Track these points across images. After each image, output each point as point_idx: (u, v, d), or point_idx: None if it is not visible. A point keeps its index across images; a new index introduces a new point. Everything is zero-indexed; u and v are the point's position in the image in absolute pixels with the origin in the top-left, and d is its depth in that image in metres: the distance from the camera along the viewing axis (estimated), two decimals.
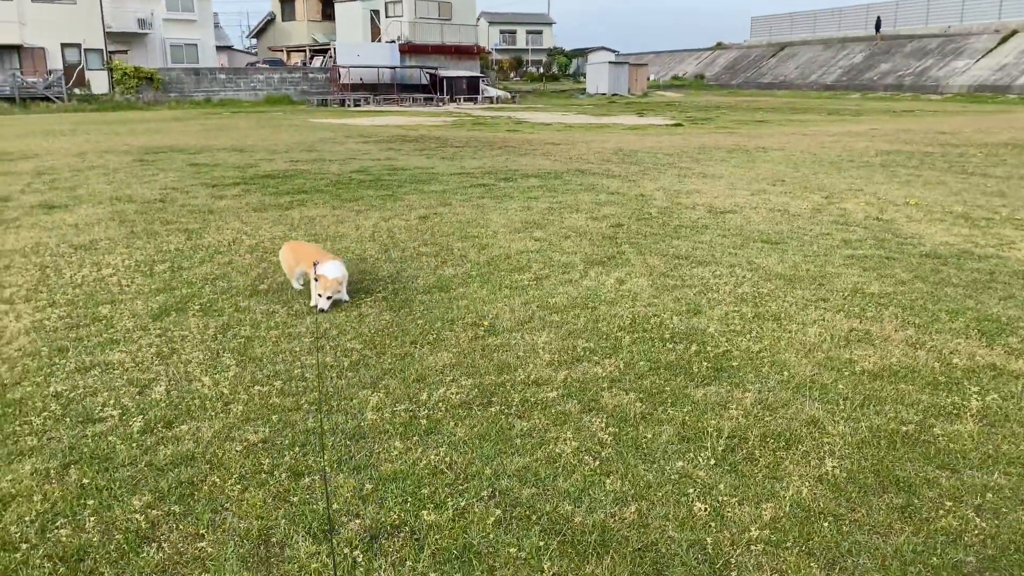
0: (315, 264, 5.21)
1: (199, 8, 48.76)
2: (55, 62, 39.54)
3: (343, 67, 44.99)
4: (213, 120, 27.53)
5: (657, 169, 13.01)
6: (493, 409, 3.78)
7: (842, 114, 32.00)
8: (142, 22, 46.29)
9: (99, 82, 40.27)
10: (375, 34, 50.65)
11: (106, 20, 41.55)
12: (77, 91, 38.90)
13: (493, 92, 48.47)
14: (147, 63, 44.27)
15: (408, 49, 48.14)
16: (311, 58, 52.89)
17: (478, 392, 3.98)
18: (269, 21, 59.74)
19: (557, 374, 4.21)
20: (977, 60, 57.33)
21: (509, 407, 3.81)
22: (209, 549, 2.69)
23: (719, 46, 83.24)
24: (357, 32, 50.36)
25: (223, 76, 44.64)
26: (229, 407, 3.80)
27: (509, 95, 49.00)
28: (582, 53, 77.62)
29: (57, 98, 37.17)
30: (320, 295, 5.21)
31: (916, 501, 2.98)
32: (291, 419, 3.68)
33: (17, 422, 3.64)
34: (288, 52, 56.02)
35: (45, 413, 3.73)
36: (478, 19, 64.81)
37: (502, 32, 77.64)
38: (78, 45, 40.21)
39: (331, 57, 48.64)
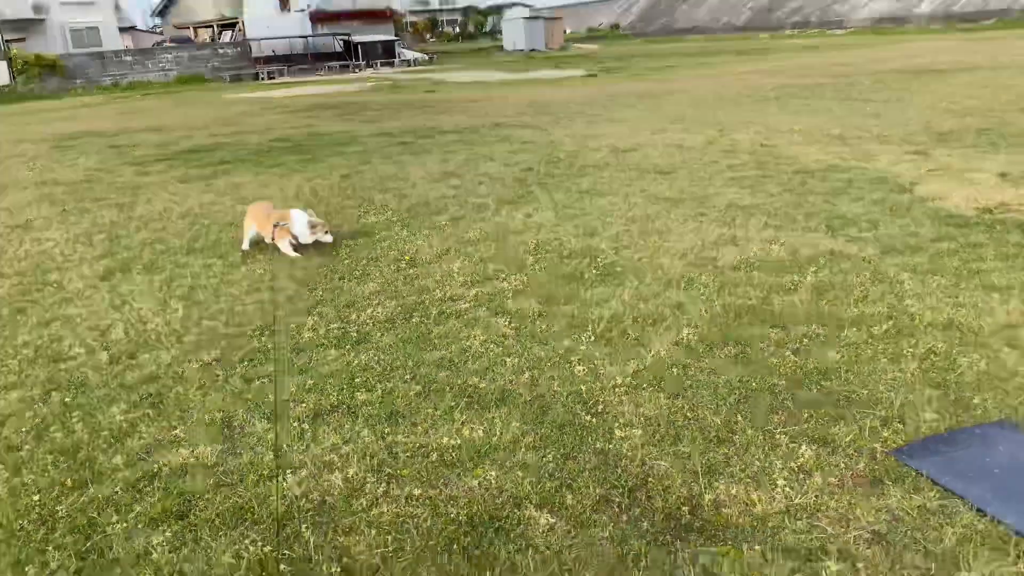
0: (276, 224, 5.77)
1: None
2: None
3: (254, 40, 44.17)
4: (125, 103, 27.05)
5: (568, 118, 13.69)
6: (414, 320, 4.45)
7: (750, 54, 33.10)
8: (37, 7, 44.43)
9: None
10: (284, 4, 49.70)
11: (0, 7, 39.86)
12: None
13: (410, 55, 48.26)
14: (47, 50, 42.65)
15: (320, 17, 47.47)
16: (220, 33, 51.60)
17: (401, 309, 4.63)
18: None
19: (469, 291, 4.88)
20: None
21: (428, 318, 4.47)
22: (182, 435, 3.30)
23: None
24: (266, 4, 49.31)
25: (130, 58, 43.34)
26: (182, 339, 4.37)
27: (426, 57, 48.86)
28: (497, 10, 77.29)
29: None
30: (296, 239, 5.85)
31: (749, 350, 3.77)
32: (238, 343, 4.27)
33: None
34: (195, 29, 54.48)
35: (18, 357, 4.24)
36: None
37: None
38: None
39: (240, 31, 47.61)
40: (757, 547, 2.39)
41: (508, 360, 3.83)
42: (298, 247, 5.88)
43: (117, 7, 54.50)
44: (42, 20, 44.70)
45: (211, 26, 52.39)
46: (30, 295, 5.34)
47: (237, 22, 48.75)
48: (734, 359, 3.68)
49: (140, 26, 68.33)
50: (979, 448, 2.83)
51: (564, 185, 7.85)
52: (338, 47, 46.73)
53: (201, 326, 4.55)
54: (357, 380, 3.70)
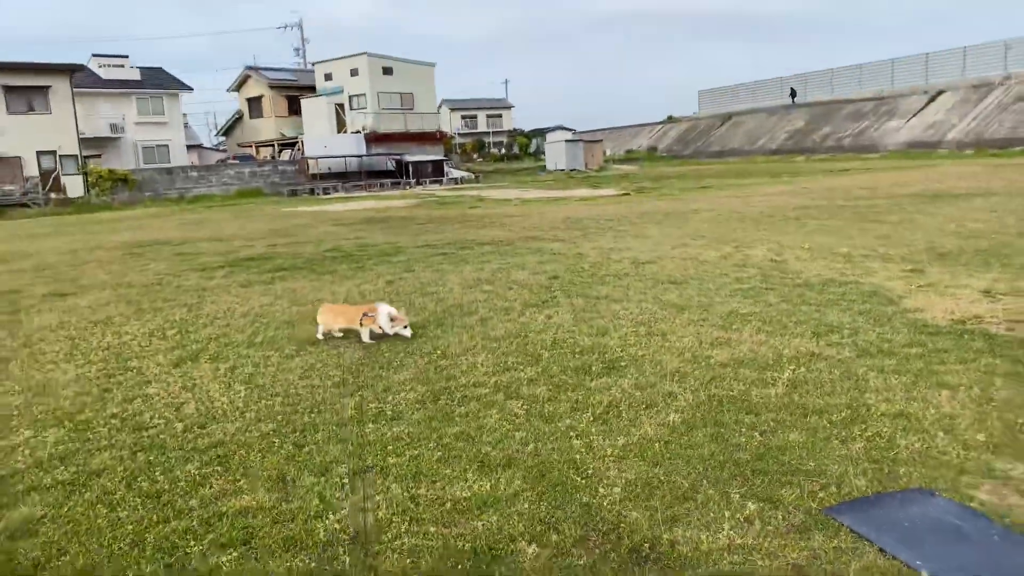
0: (365, 313, 6.86)
1: (168, 110, 50.92)
2: (31, 169, 41.08)
3: (311, 158, 47.08)
4: (189, 215, 29.05)
5: (598, 232, 14.68)
6: (441, 402, 5.18)
7: (782, 176, 34.35)
8: (114, 127, 48.22)
9: (74, 186, 41.79)
10: (341, 126, 53.10)
11: (79, 126, 43.37)
12: (53, 195, 40.34)
13: (457, 173, 50.80)
14: (120, 165, 45.98)
15: (374, 138, 50.53)
16: (279, 151, 55.07)
17: (430, 393, 5.37)
18: (237, 119, 62.13)
19: (490, 379, 5.62)
20: (908, 120, 61.12)
21: (452, 400, 5.21)
22: (244, 486, 4.02)
23: (670, 119, 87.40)
24: (323, 125, 52.79)
25: (195, 173, 46.43)
26: (244, 414, 5.16)
27: (472, 175, 51.36)
28: (541, 133, 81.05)
29: (35, 203, 38.56)
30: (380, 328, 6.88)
31: (723, 431, 4.40)
32: (291, 418, 5.04)
33: (89, 433, 4.96)
34: (257, 147, 58.22)
35: (107, 426, 5.05)
36: (439, 107, 67.85)
37: (463, 117, 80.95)
38: (53, 152, 41.87)
39: (299, 150, 50.80)
40: (698, 571, 2.99)
41: (517, 434, 4.52)
42: (377, 337, 6.86)
43: (186, 125, 58.68)
44: (118, 138, 48.36)
45: (272, 144, 55.96)
46: (114, 377, 6.22)
47: (297, 141, 52.06)
48: (710, 438, 4.32)
49: (205, 144, 73.09)
50: (896, 507, 3.41)
51: (584, 292, 8.65)
52: (390, 165, 49.45)
53: (260, 404, 5.34)
54: (389, 448, 4.42)
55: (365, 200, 33.63)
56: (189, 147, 56.45)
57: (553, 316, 7.55)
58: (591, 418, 4.72)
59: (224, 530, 3.55)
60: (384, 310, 6.91)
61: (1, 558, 3.39)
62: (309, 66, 64.32)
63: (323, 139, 49.35)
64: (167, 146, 50.70)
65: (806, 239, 12.07)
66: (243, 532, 3.51)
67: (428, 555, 3.22)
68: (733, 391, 5.06)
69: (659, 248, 11.98)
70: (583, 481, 3.86)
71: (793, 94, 72.51)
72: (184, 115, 55.64)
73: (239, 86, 60.58)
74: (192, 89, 52.42)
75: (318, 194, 42.76)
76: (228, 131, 64.55)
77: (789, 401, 4.82)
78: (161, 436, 4.82)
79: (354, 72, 52.13)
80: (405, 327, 6.95)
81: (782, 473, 3.81)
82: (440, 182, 47.59)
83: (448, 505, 3.68)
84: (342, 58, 53.16)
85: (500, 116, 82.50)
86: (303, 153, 49.05)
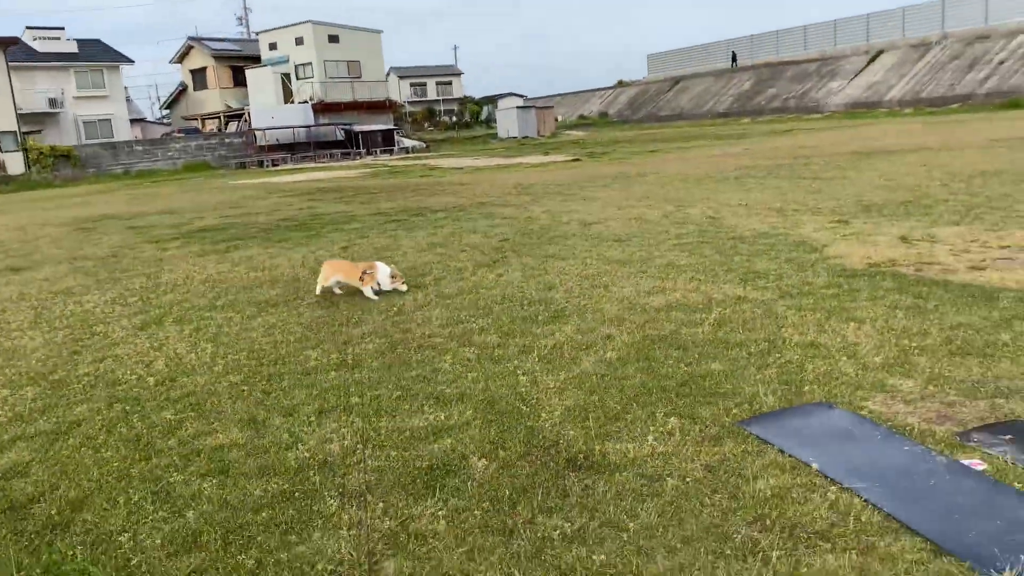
0: (364, 271, 7.29)
1: (109, 83, 49.63)
2: None
3: (259, 130, 46.44)
4: (137, 190, 28.66)
5: (547, 197, 15.09)
6: (398, 351, 5.57)
7: (727, 139, 35.10)
8: (53, 101, 46.89)
9: (14, 163, 40.66)
10: (287, 96, 52.36)
11: (16, 102, 42.10)
12: None
13: (408, 143, 50.60)
14: (61, 141, 44.83)
15: (321, 108, 49.98)
16: (226, 124, 54.14)
17: (388, 344, 5.76)
18: (181, 91, 60.77)
19: (444, 330, 6.02)
20: (850, 80, 62.48)
21: (409, 349, 5.60)
22: (218, 428, 4.38)
23: (620, 84, 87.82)
24: (270, 95, 51.98)
25: (140, 148, 45.51)
26: (212, 368, 5.48)
27: (424, 144, 51.20)
28: (492, 100, 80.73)
29: None
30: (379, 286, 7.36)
31: (654, 364, 4.88)
32: (257, 370, 5.38)
33: (64, 389, 5.24)
34: (203, 120, 57.12)
35: (82, 383, 5.34)
36: (387, 75, 67.14)
37: (412, 85, 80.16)
38: None
39: (246, 121, 50.03)
40: (627, 472, 3.46)
41: (469, 375, 4.94)
42: (378, 292, 7.31)
43: (128, 99, 57.24)
44: (57, 113, 47.04)
45: (218, 117, 54.95)
46: (82, 341, 6.47)
47: (243, 113, 51.22)
48: (641, 370, 4.80)
49: (149, 118, 71.33)
50: (798, 418, 3.93)
51: (533, 252, 9.08)
52: (339, 135, 49.03)
53: (227, 359, 5.67)
54: (352, 390, 4.81)
55: (315, 171, 33.48)
56: (132, 121, 55.13)
57: (504, 275, 7.96)
58: (536, 359, 5.16)
59: (203, 463, 3.91)
60: (383, 268, 7.42)
61: None
62: (253, 36, 63.04)
63: (270, 110, 48.67)
64: (109, 120, 49.50)
65: (744, 197, 12.65)
66: (220, 464, 3.88)
67: (390, 472, 3.63)
68: (665, 331, 5.54)
69: (605, 210, 12.44)
70: (527, 409, 4.30)
71: (734, 58, 73.59)
72: (125, 89, 54.27)
73: (182, 58, 59.20)
74: (133, 61, 51.21)
75: (267, 166, 42.34)
76: (172, 104, 63.14)
77: (714, 337, 5.32)
78: (135, 390, 5.13)
79: (299, 41, 51.35)
80: (402, 283, 7.47)
81: (702, 395, 4.30)
82: (391, 152, 47.42)
83: (407, 433, 4.09)
84: (286, 27, 52.29)
85: (450, 83, 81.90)
86: (250, 125, 48.35)
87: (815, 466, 3.39)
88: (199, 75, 58.28)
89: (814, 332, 5.25)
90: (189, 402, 4.82)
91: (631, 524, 3.04)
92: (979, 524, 2.85)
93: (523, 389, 4.61)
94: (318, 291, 7.52)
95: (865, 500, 3.08)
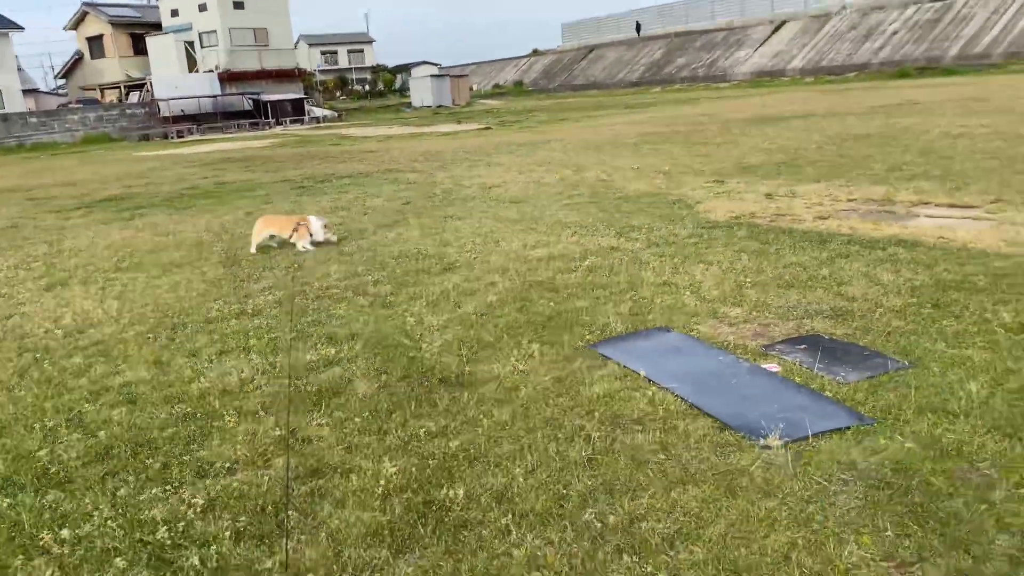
0: (298, 223, 7.80)
1: None
2: None
3: (162, 100, 45.00)
4: (34, 163, 27.64)
5: (453, 163, 15.54)
6: (296, 301, 6.02)
7: (635, 108, 36.04)
8: None
9: None
10: (192, 65, 50.75)
11: None
12: None
13: (319, 112, 49.87)
14: None
15: (228, 77, 48.68)
16: (127, 94, 52.11)
17: (287, 295, 6.19)
18: (77, 60, 58.02)
19: (341, 283, 6.49)
20: (756, 48, 64.58)
21: (307, 298, 6.06)
22: (126, 368, 4.77)
23: (535, 53, 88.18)
24: (173, 65, 50.27)
25: (35, 120, 43.48)
26: (119, 321, 5.82)
27: (336, 114, 50.56)
28: (406, 68, 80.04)
29: None
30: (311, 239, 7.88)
31: (529, 304, 5.49)
32: (162, 321, 5.75)
33: None
34: (102, 90, 54.78)
35: None
36: (296, 43, 65.70)
37: (323, 53, 78.57)
38: None
39: (148, 91, 48.33)
40: (490, 385, 4.06)
41: (361, 318, 5.45)
42: (315, 244, 7.84)
43: (19, 69, 54.34)
44: None
45: (118, 87, 52.84)
46: None
47: (145, 83, 49.42)
48: (516, 309, 5.40)
49: (42, 88, 67.87)
50: (639, 340, 4.60)
51: (433, 213, 9.58)
52: (247, 106, 47.93)
53: (132, 313, 6.01)
54: (251, 334, 5.26)
55: (222, 142, 32.87)
56: (25, 92, 52.43)
57: (403, 233, 8.44)
58: (424, 303, 5.70)
59: (112, 396, 4.32)
60: (316, 221, 7.96)
61: None
62: (153, 2, 60.57)
63: (173, 80, 47.13)
64: (0, 91, 46.99)
65: (637, 161, 13.41)
66: (128, 395, 4.30)
67: (282, 396, 4.13)
68: (542, 278, 6.16)
69: (507, 174, 13.01)
70: (411, 343, 4.85)
71: (638, 28, 75.39)
72: (16, 58, 51.49)
73: (76, 24, 56.45)
74: (23, 28, 48.51)
75: (172, 138, 41.16)
76: (68, 74, 60.23)
77: (584, 281, 5.97)
78: (44, 341, 5.44)
79: (202, 7, 49.70)
80: (333, 234, 8.02)
81: (564, 326, 4.94)
82: (301, 122, 46.70)
83: (300, 366, 4.58)
84: None
85: (362, 51, 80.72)
86: (152, 95, 46.73)
87: (643, 373, 4.05)
88: (96, 43, 55.74)
89: (669, 274, 5.96)
90: (97, 349, 5.18)
91: (486, 421, 3.64)
92: (759, 408, 3.56)
93: (409, 328, 5.16)
94: (253, 249, 7.91)
95: (676, 395, 3.76)
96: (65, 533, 2.91)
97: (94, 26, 55.27)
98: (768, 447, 3.20)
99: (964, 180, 8.87)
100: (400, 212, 9.85)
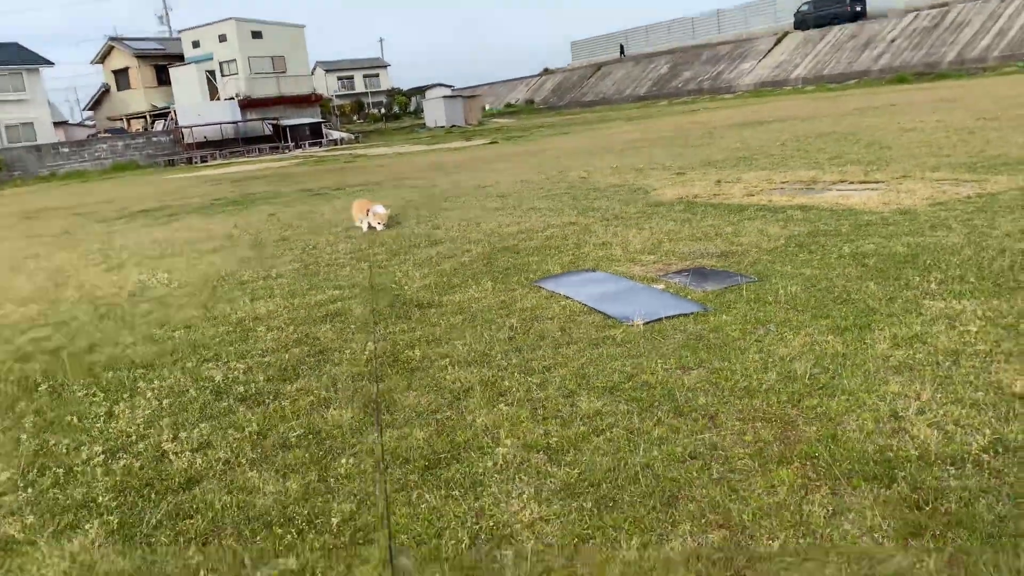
0: (367, 210, 9.47)
1: (30, 86, 49.56)
2: None
3: (186, 127, 47.18)
4: (70, 189, 29.60)
5: (455, 171, 17.08)
6: (310, 268, 7.50)
7: (636, 119, 37.54)
8: None
9: None
10: (213, 93, 53.03)
11: None
12: None
13: (336, 135, 51.88)
14: None
15: (248, 103, 50.87)
16: (152, 123, 54.48)
17: (303, 265, 7.68)
18: (104, 92, 60.64)
19: (346, 257, 7.97)
20: (760, 60, 65.95)
21: (318, 266, 7.54)
22: (179, 311, 6.26)
23: (546, 71, 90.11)
24: (195, 93, 52.60)
25: (66, 149, 45.80)
26: (170, 285, 7.33)
27: (352, 136, 52.54)
28: (420, 91, 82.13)
29: None
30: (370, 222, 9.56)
31: (494, 261, 6.93)
32: (205, 284, 7.25)
33: (58, 308, 7.02)
34: (128, 120, 57.25)
35: (70, 302, 7.13)
36: (313, 69, 68.06)
37: (339, 79, 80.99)
38: None
39: (172, 120, 50.60)
40: (450, 306, 5.50)
41: (360, 275, 6.92)
42: (372, 227, 9.54)
43: (48, 103, 56.93)
44: None
45: (143, 116, 55.24)
46: (62, 283, 8.21)
47: (169, 111, 51.73)
48: (482, 265, 6.85)
49: (70, 120, 70.69)
50: (571, 277, 6.03)
51: (430, 208, 11.07)
52: (267, 130, 50.04)
53: (181, 280, 7.52)
54: (275, 289, 6.74)
55: (244, 165, 34.74)
56: (55, 124, 54.97)
57: (402, 223, 9.94)
58: (411, 264, 7.17)
59: (172, 326, 5.80)
60: (379, 208, 9.69)
61: None
62: (175, 34, 63.18)
63: (196, 107, 49.37)
64: (32, 124, 49.44)
65: (617, 162, 14.86)
66: (184, 324, 5.78)
67: (299, 318, 5.60)
68: (508, 244, 7.62)
69: (500, 177, 14.50)
70: (396, 287, 6.31)
71: (622, 50, 78.70)
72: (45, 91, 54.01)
73: (103, 58, 59.08)
74: (53, 63, 51.06)
75: (196, 163, 43.20)
76: (95, 105, 62.85)
77: (540, 245, 7.41)
78: (114, 300, 6.95)
79: (222, 38, 52.03)
80: (380, 223, 9.59)
81: (516, 272, 6.38)
82: (319, 144, 48.67)
83: (312, 302, 6.05)
84: (209, 24, 52.88)
85: (377, 75, 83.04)
86: (177, 123, 48.97)
87: (563, 293, 5.48)
88: (122, 75, 58.33)
89: (609, 237, 7.39)
90: (156, 301, 6.68)
91: (443, 322, 5.10)
92: (638, 307, 4.96)
93: (397, 279, 6.63)
94: (360, 224, 9.68)
95: (583, 304, 5.19)
96: (156, 383, 4.39)
97: (120, 60, 57.87)
98: (632, 323, 4.61)
99: (886, 163, 10.23)
100: (401, 208, 11.35)
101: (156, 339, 5.45)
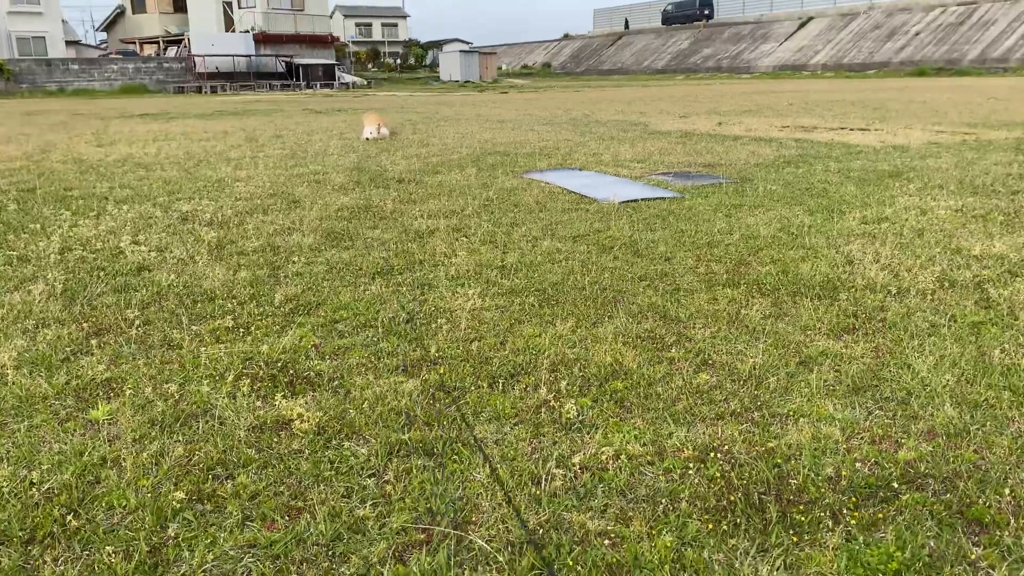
0: (379, 124, 9.27)
1: (44, 0, 49.02)
2: None
3: (199, 56, 46.73)
4: (76, 102, 29.41)
5: (461, 107, 16.95)
6: (296, 156, 7.46)
7: (653, 86, 37.23)
8: None
9: None
10: (228, 25, 52.46)
11: None
12: None
13: (349, 78, 51.41)
14: None
15: (262, 39, 50.32)
16: (165, 49, 53.96)
17: (290, 153, 7.64)
18: (119, 14, 59.96)
19: (339, 151, 7.93)
20: (781, 43, 65.23)
21: (304, 156, 7.50)
22: (163, 173, 6.23)
23: (566, 37, 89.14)
24: (210, 23, 52.01)
25: (76, 67, 45.38)
26: (158, 157, 7.29)
27: (364, 81, 52.07)
28: (438, 45, 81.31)
29: None
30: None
31: (480, 159, 6.89)
32: (191, 158, 7.22)
33: (98, 170, 6.99)
34: (141, 44, 56.67)
35: (115, 165, 7.10)
36: (332, 12, 67.22)
37: (358, 25, 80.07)
38: None
39: (186, 47, 50.11)
40: (430, 183, 5.47)
41: (346, 160, 6.88)
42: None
43: (63, 20, 56.32)
44: None
45: (157, 42, 54.70)
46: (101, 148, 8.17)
47: (183, 39, 51.20)
48: (471, 160, 6.81)
49: (83, 40, 69.98)
50: (555, 171, 6.00)
51: (429, 126, 11.00)
52: (280, 67, 49.58)
53: (168, 155, 7.48)
54: (260, 163, 6.71)
55: (254, 96, 34.50)
56: (67, 43, 54.46)
57: (399, 134, 9.88)
58: (399, 157, 7.15)
59: (153, 180, 5.78)
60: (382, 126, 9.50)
61: None
62: None
63: (211, 37, 48.83)
64: (44, 38, 48.99)
65: (623, 108, 14.75)
66: (164, 180, 5.76)
67: (274, 184, 5.57)
68: (500, 149, 7.58)
69: (503, 109, 14.41)
70: (381, 170, 6.29)
71: (626, 24, 78.92)
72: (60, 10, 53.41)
73: None
74: None
75: (205, 92, 42.87)
76: (109, 27, 62.22)
77: (532, 152, 7.37)
78: (99, 164, 6.92)
79: None
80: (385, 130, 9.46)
81: (504, 166, 6.35)
82: (331, 86, 48.24)
83: (295, 173, 6.03)
84: None
85: (396, 25, 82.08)
86: (190, 51, 48.50)
87: (546, 181, 5.46)
88: None
89: (602, 150, 7.35)
90: (140, 166, 6.65)
91: (421, 191, 5.10)
92: (606, 193, 4.94)
93: (383, 165, 6.59)
94: (366, 135, 9.37)
95: (563, 188, 5.16)
96: (124, 209, 4.37)
97: None
98: (608, 202, 4.59)
99: (890, 119, 10.15)
100: (401, 125, 11.28)
101: (132, 186, 5.43)
